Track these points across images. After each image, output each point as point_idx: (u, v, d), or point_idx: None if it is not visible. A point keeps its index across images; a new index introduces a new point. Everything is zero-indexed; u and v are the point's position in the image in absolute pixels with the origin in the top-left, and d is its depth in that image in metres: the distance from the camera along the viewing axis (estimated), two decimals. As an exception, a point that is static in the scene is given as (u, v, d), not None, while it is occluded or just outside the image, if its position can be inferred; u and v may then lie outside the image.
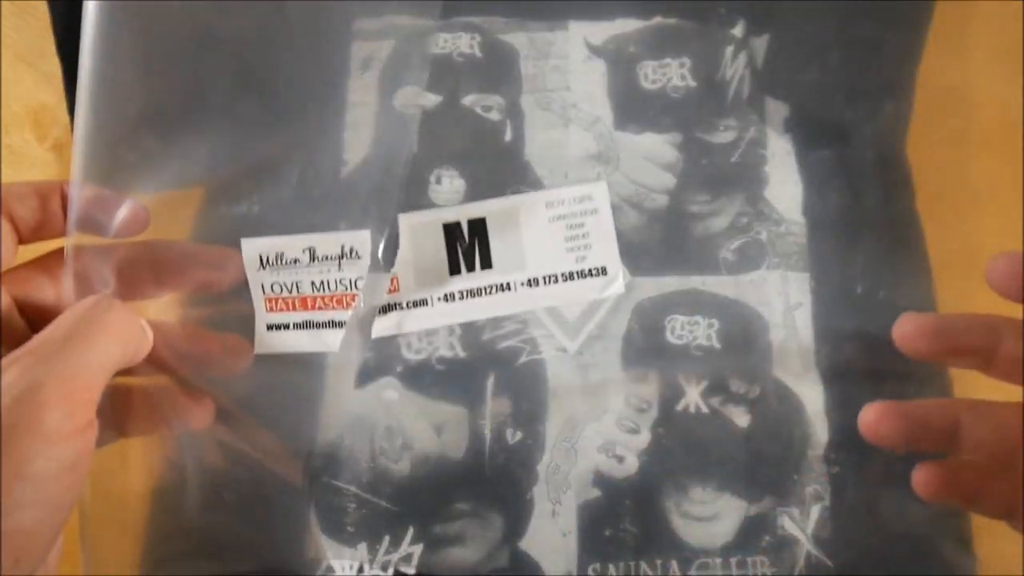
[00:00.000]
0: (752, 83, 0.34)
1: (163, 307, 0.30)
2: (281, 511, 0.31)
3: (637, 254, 0.33)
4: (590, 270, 0.31)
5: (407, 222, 0.32)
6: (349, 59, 0.34)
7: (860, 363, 0.31)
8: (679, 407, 0.32)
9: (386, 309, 0.31)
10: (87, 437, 0.23)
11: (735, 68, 0.34)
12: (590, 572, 0.31)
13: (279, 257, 0.30)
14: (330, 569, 0.31)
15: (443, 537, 0.31)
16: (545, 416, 0.32)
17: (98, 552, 0.30)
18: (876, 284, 0.32)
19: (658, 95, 0.34)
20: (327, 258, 0.30)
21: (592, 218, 0.32)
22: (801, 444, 0.31)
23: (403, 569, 0.31)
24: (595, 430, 0.32)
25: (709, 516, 0.31)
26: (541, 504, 0.31)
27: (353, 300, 0.31)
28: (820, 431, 0.31)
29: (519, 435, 0.32)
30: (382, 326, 0.31)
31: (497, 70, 0.34)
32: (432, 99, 0.34)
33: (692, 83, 0.34)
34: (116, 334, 0.25)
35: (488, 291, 0.31)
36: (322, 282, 0.30)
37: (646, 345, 0.32)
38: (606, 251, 0.32)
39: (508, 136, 0.34)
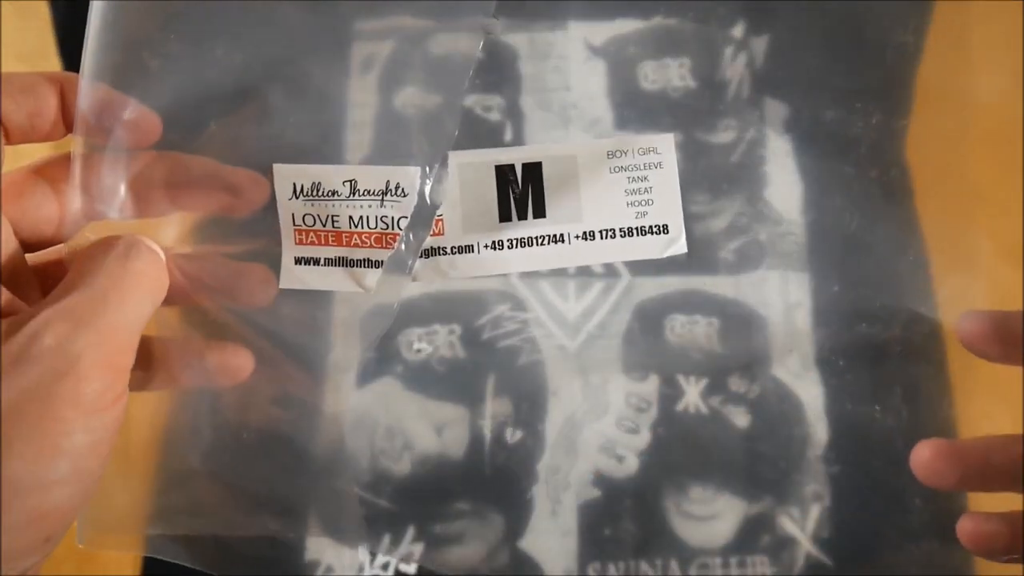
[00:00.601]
0: (752, 83, 0.34)
1: (176, 231, 0.28)
2: (294, 463, 0.30)
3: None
4: (651, 227, 0.29)
5: (456, 160, 0.29)
6: (349, 59, 0.34)
7: (860, 363, 0.31)
8: (679, 407, 0.32)
9: (428, 253, 0.29)
10: (122, 404, 0.22)
11: (735, 68, 0.34)
12: (590, 572, 0.31)
13: (316, 187, 0.28)
14: (330, 569, 0.31)
15: (443, 537, 0.31)
16: (545, 416, 0.32)
17: (101, 502, 0.29)
18: (876, 284, 0.32)
19: (658, 95, 0.34)
20: (369, 192, 0.28)
21: (656, 172, 0.29)
22: (801, 444, 0.31)
23: (403, 569, 0.31)
24: (595, 430, 0.32)
25: (709, 516, 0.31)
26: (541, 504, 0.31)
27: (394, 240, 0.28)
28: (820, 431, 0.31)
29: (519, 435, 0.32)
30: (423, 272, 0.29)
31: (497, 70, 0.34)
32: (432, 99, 0.34)
33: (692, 83, 0.34)
34: (149, 287, 0.24)
35: (540, 241, 0.29)
36: (361, 218, 0.28)
37: (646, 345, 0.32)
38: (670, 208, 0.29)
39: (508, 136, 0.34)
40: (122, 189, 0.26)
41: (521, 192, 0.29)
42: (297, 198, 0.28)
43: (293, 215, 0.28)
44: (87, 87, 0.25)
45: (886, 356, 0.31)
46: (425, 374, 0.32)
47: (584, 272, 0.33)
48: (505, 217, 0.29)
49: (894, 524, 0.31)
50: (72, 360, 0.21)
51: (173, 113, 0.26)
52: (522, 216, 0.29)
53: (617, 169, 0.29)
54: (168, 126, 0.26)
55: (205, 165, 0.27)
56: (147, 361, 0.26)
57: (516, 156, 0.29)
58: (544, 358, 0.32)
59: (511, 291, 0.33)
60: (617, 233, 0.29)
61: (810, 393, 0.32)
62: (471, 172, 0.29)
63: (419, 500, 0.31)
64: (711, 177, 0.33)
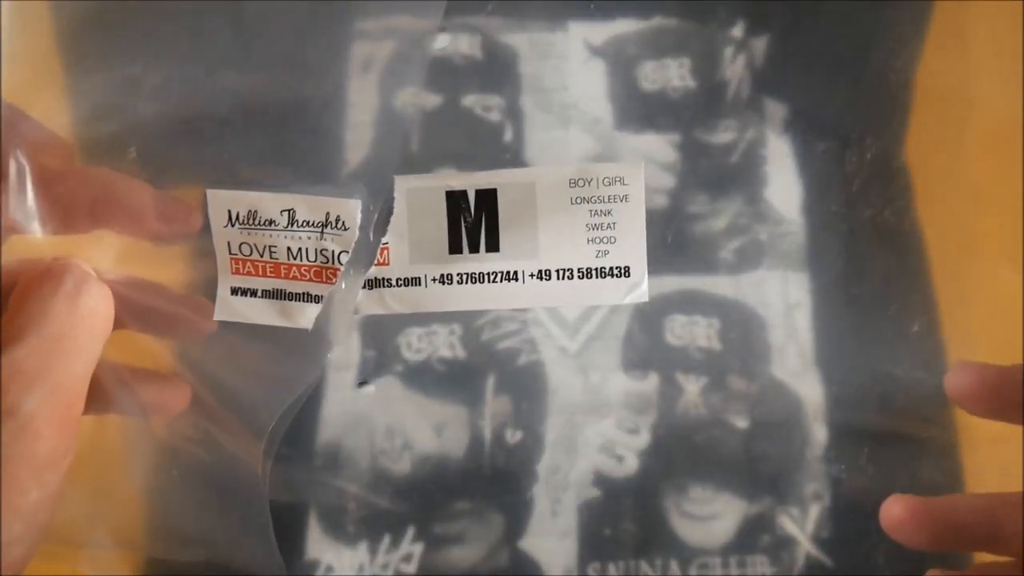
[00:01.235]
0: (752, 83, 0.34)
1: (110, 252, 0.27)
2: (236, 500, 0.29)
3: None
4: (612, 269, 0.27)
5: (404, 185, 0.27)
6: (349, 59, 0.34)
7: (860, 363, 0.31)
8: (679, 407, 0.32)
9: (372, 284, 0.27)
10: (74, 453, 0.21)
11: (735, 68, 0.34)
12: (590, 572, 0.31)
13: (252, 215, 0.26)
14: (330, 569, 0.31)
15: (443, 537, 0.31)
16: (545, 416, 0.32)
17: None
18: (875, 284, 0.32)
19: (658, 95, 0.34)
20: (308, 224, 0.26)
21: (621, 206, 0.27)
22: (801, 444, 0.31)
23: (403, 569, 0.31)
24: (595, 430, 0.32)
25: (709, 516, 0.31)
26: (541, 504, 0.31)
27: (334, 275, 0.26)
28: (820, 431, 0.31)
29: (519, 435, 0.32)
30: (366, 304, 0.27)
31: (497, 71, 0.34)
32: (432, 100, 0.34)
33: (692, 83, 0.34)
34: (100, 327, 0.22)
35: (492, 278, 0.27)
36: (300, 249, 0.26)
37: (646, 345, 0.32)
38: (633, 248, 0.27)
39: (508, 137, 0.34)
40: (42, 205, 0.24)
41: (474, 221, 0.27)
42: (233, 226, 0.26)
43: (229, 243, 0.27)
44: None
45: (886, 356, 0.31)
46: (425, 374, 0.32)
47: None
48: (456, 248, 0.27)
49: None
50: (26, 421, 0.20)
51: (91, 134, 0.26)
52: (474, 249, 0.27)
53: (579, 200, 0.27)
54: (85, 148, 0.25)
55: (131, 187, 0.26)
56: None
57: (469, 182, 0.27)
58: (544, 358, 0.32)
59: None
60: (575, 274, 0.27)
61: (810, 393, 0.32)
62: (420, 198, 0.27)
63: (419, 500, 0.31)
64: (711, 177, 0.33)
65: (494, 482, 0.31)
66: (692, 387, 0.32)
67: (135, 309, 0.25)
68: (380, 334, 0.33)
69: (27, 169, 0.24)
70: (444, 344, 0.32)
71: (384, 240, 0.27)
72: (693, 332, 0.32)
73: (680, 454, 0.31)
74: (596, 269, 0.27)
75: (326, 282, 0.27)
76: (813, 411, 0.31)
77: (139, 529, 0.29)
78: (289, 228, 0.26)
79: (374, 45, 0.34)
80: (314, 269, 0.26)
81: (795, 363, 0.32)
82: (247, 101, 0.27)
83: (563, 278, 0.27)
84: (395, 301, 0.27)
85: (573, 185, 0.27)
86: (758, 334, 0.32)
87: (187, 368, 0.27)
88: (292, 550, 0.31)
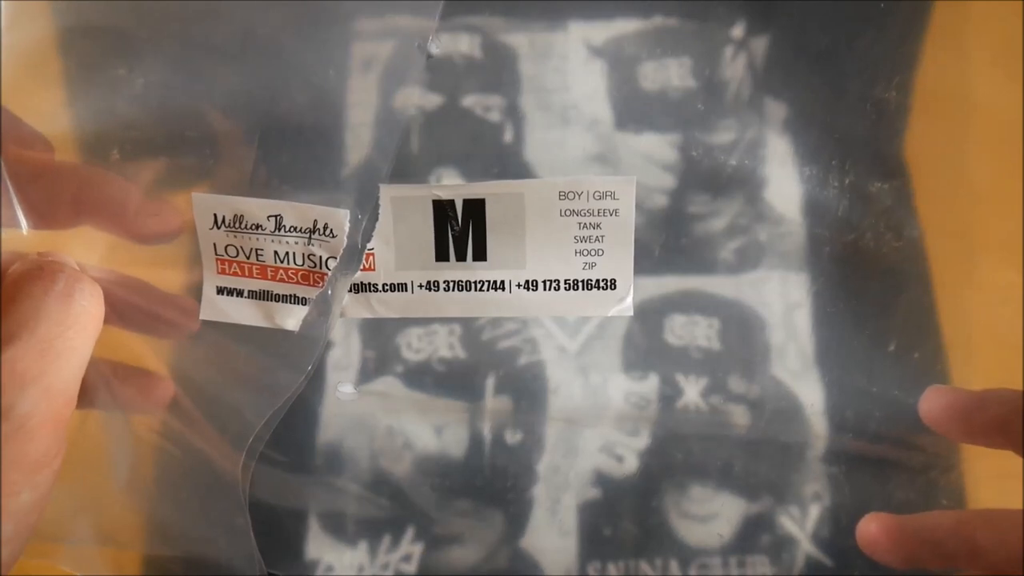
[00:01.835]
0: (752, 83, 0.34)
1: (97, 248, 0.26)
2: (215, 500, 0.28)
3: (637, 254, 0.33)
4: (598, 281, 0.27)
5: (389, 194, 0.27)
6: (349, 59, 0.34)
7: (860, 363, 0.32)
8: (679, 407, 0.32)
9: (358, 288, 0.27)
10: (63, 453, 0.21)
11: (735, 68, 0.34)
12: (590, 572, 0.31)
13: (238, 219, 0.26)
14: (330, 569, 0.31)
15: (443, 537, 0.31)
16: (545, 416, 0.32)
17: None
18: (875, 285, 0.32)
19: (658, 95, 0.34)
20: (295, 229, 0.26)
21: (611, 220, 0.27)
22: (800, 444, 0.31)
23: (403, 569, 0.31)
24: (595, 430, 0.32)
25: (708, 515, 0.31)
26: (541, 504, 0.31)
27: (322, 279, 0.26)
28: (819, 431, 0.31)
29: (519, 435, 0.32)
30: (352, 308, 0.27)
31: (497, 70, 0.34)
32: (432, 100, 0.34)
33: (692, 83, 0.34)
34: (92, 328, 0.22)
35: (479, 287, 0.27)
36: (287, 254, 0.26)
37: (646, 345, 0.32)
38: (620, 262, 0.27)
39: (508, 137, 0.34)
40: (22, 199, 0.24)
41: (461, 231, 0.27)
42: (218, 228, 0.26)
43: (215, 244, 0.26)
44: None
45: (886, 356, 0.31)
46: (425, 374, 0.32)
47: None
48: (442, 256, 0.27)
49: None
50: (20, 422, 0.20)
51: (81, 134, 0.26)
52: (461, 257, 0.27)
53: (568, 212, 0.27)
54: (79, 148, 0.25)
55: (115, 182, 0.25)
56: None
57: (457, 192, 0.27)
58: (544, 358, 0.32)
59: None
60: (561, 285, 0.27)
61: (810, 393, 0.32)
62: (406, 206, 0.27)
63: (419, 500, 0.31)
64: (711, 177, 0.33)
65: (494, 482, 0.31)
66: (692, 387, 0.32)
67: (118, 306, 0.25)
68: (380, 334, 0.33)
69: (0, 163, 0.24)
70: (444, 344, 0.32)
71: (369, 246, 0.27)
72: (693, 332, 0.32)
73: (680, 454, 0.31)
74: (583, 281, 0.27)
75: (313, 285, 0.26)
76: (813, 411, 0.31)
77: (120, 526, 0.29)
78: (276, 233, 0.26)
79: (374, 45, 0.34)
80: (301, 272, 0.26)
81: (795, 363, 0.32)
82: (246, 102, 0.27)
83: (549, 289, 0.27)
84: (381, 306, 0.27)
85: (563, 197, 0.27)
86: (758, 334, 0.32)
87: (169, 368, 0.27)
88: (292, 550, 0.31)
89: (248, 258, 0.26)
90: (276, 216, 0.26)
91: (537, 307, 0.27)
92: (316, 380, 0.32)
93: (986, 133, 0.34)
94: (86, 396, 0.24)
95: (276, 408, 0.27)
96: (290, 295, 0.26)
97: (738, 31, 0.34)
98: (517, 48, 0.35)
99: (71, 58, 0.27)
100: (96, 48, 0.27)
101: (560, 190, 0.27)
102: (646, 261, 0.33)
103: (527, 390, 0.32)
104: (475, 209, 0.27)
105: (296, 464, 0.32)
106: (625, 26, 0.35)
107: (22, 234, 0.24)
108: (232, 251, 0.26)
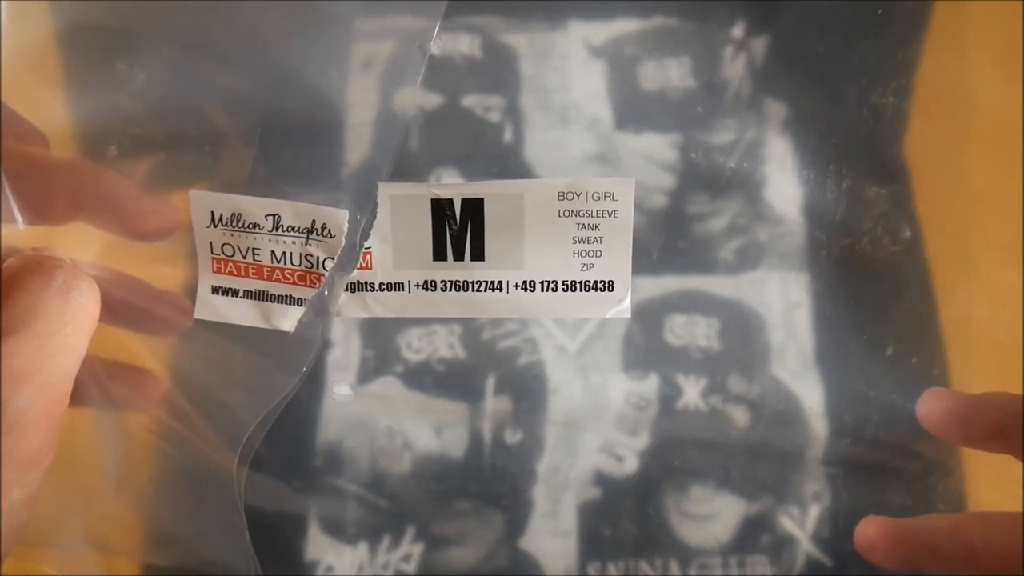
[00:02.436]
0: (752, 83, 0.34)
1: (93, 244, 0.26)
2: (209, 500, 0.28)
3: (637, 255, 0.33)
4: (596, 283, 0.27)
5: (388, 192, 0.27)
6: (349, 59, 0.34)
7: (859, 363, 0.32)
8: (679, 407, 0.32)
9: (354, 287, 0.27)
10: (53, 453, 0.21)
11: (735, 68, 0.34)
12: (590, 572, 0.31)
13: (235, 218, 0.26)
14: (330, 569, 0.31)
15: (443, 537, 0.31)
16: (545, 416, 0.32)
17: None
18: (872, 289, 0.32)
19: (658, 95, 0.34)
20: (293, 229, 0.26)
21: (609, 222, 0.27)
22: (800, 444, 0.31)
23: (403, 569, 0.31)
24: (595, 430, 0.32)
25: (708, 515, 0.31)
26: (541, 504, 0.31)
27: (319, 280, 0.26)
28: (819, 431, 0.31)
29: (519, 435, 0.32)
30: (348, 306, 0.27)
31: (497, 70, 0.34)
32: (432, 100, 0.34)
33: (692, 83, 0.34)
34: (88, 325, 0.22)
35: (476, 287, 0.27)
36: (284, 254, 0.26)
37: (646, 345, 0.32)
38: (619, 263, 0.27)
39: (508, 137, 0.34)
40: (17, 194, 0.24)
41: (459, 230, 0.27)
42: (215, 227, 0.26)
43: (211, 243, 0.26)
44: None
45: (886, 356, 0.31)
46: (425, 374, 0.32)
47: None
48: (440, 256, 0.27)
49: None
50: (14, 418, 0.19)
51: (80, 131, 0.25)
52: (458, 257, 0.27)
53: (567, 213, 0.27)
54: (64, 144, 0.25)
55: (112, 178, 0.25)
56: None
57: (455, 191, 0.27)
58: (544, 358, 0.32)
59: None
60: (559, 286, 0.27)
61: (810, 393, 0.32)
62: (404, 205, 0.27)
63: (419, 500, 0.31)
64: (711, 177, 0.33)
65: (494, 482, 0.31)
66: (692, 387, 0.32)
67: (112, 303, 0.24)
68: (380, 334, 0.33)
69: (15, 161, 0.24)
70: (444, 344, 0.32)
71: (367, 244, 0.27)
72: (693, 332, 0.32)
73: (680, 454, 0.31)
74: (580, 283, 0.27)
75: (310, 286, 0.26)
76: (813, 411, 0.31)
77: (111, 527, 0.28)
78: (273, 232, 0.26)
79: (374, 45, 0.34)
80: (298, 273, 0.26)
81: (795, 363, 0.32)
82: (246, 101, 0.27)
83: (547, 290, 0.27)
84: (377, 305, 0.27)
85: (562, 198, 0.27)
86: (758, 334, 0.32)
87: (164, 366, 0.27)
88: (292, 550, 0.31)
89: (245, 257, 0.26)
90: (274, 215, 0.26)
91: (535, 308, 0.27)
92: (316, 380, 0.32)
93: (986, 133, 0.34)
94: (77, 393, 0.24)
95: (271, 408, 0.26)
96: (286, 296, 0.26)
97: (738, 31, 0.34)
98: (517, 48, 0.35)
99: (70, 53, 0.26)
100: (96, 43, 0.27)
101: (559, 190, 0.27)
102: (646, 261, 0.33)
103: (527, 390, 0.32)
104: (474, 208, 0.27)
105: (296, 464, 0.32)
106: (625, 26, 0.35)
107: (17, 229, 0.24)
108: (228, 250, 0.26)
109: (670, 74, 0.34)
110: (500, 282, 0.27)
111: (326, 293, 0.26)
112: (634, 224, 0.31)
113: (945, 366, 0.32)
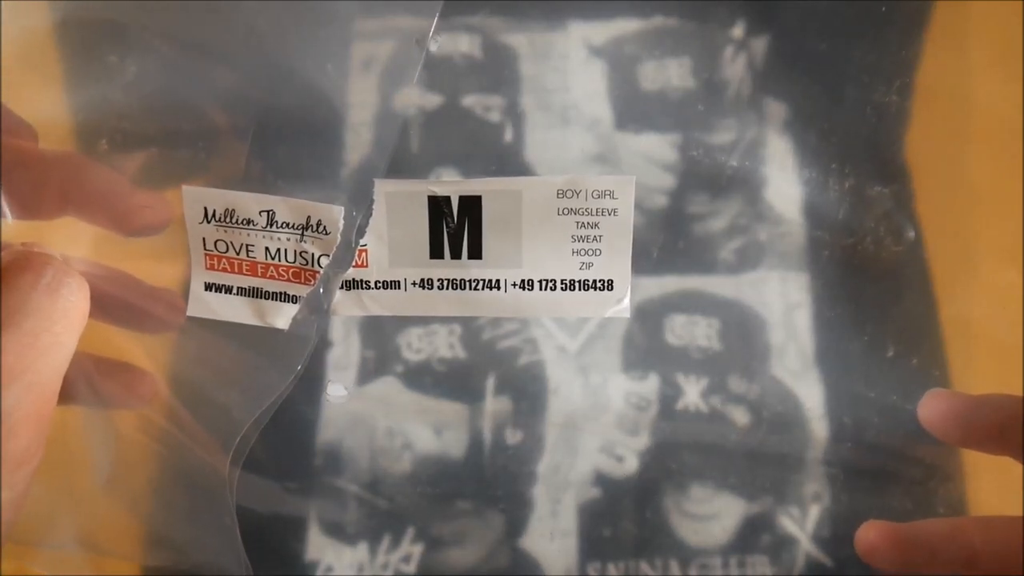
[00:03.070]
0: (752, 83, 0.34)
1: (83, 238, 0.26)
2: (201, 501, 0.28)
3: (637, 254, 0.33)
4: (595, 281, 0.27)
5: (384, 189, 0.26)
6: (349, 59, 0.34)
7: (859, 363, 0.32)
8: (679, 407, 0.32)
9: (350, 286, 0.26)
10: (42, 452, 0.21)
11: (735, 68, 0.34)
12: (590, 572, 0.31)
13: (229, 213, 0.26)
14: (330, 569, 0.31)
15: (443, 537, 0.31)
16: (545, 416, 0.32)
17: None
18: (873, 289, 0.32)
19: (658, 95, 0.34)
20: (288, 225, 0.26)
21: (609, 220, 0.26)
22: (800, 444, 0.31)
23: (403, 569, 0.31)
24: (595, 430, 0.32)
25: (709, 515, 0.31)
26: (541, 504, 0.31)
27: (313, 277, 0.26)
28: (819, 431, 0.31)
29: (519, 435, 0.32)
30: (343, 305, 0.27)
31: (497, 71, 0.34)
32: (432, 100, 0.34)
33: (692, 83, 0.34)
34: (78, 323, 0.21)
35: (474, 285, 0.26)
36: (279, 250, 0.26)
37: (646, 345, 0.32)
38: (618, 262, 0.26)
39: (508, 137, 0.34)
40: (7, 188, 0.24)
41: (456, 228, 0.26)
42: (208, 222, 0.26)
43: (204, 239, 0.26)
44: None
45: (886, 356, 0.31)
46: (425, 374, 0.32)
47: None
48: (437, 254, 0.26)
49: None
50: (2, 417, 0.19)
51: (74, 126, 0.25)
52: (456, 255, 0.26)
53: (566, 211, 0.26)
54: (55, 137, 0.25)
55: (106, 176, 0.25)
56: None
57: (453, 188, 0.26)
58: (544, 358, 0.32)
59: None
60: (558, 285, 0.26)
61: (810, 393, 0.32)
62: (400, 202, 0.26)
63: (419, 500, 0.31)
64: (711, 177, 0.33)
65: (494, 482, 0.31)
66: (692, 387, 0.32)
67: (102, 300, 0.24)
68: (380, 334, 0.33)
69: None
70: (444, 344, 0.32)
71: (363, 242, 0.26)
72: (693, 332, 0.32)
73: (680, 454, 0.31)
74: (579, 281, 0.26)
75: (304, 283, 0.26)
76: (813, 411, 0.31)
77: (101, 527, 0.28)
78: (268, 229, 0.26)
79: (374, 45, 0.34)
80: (292, 270, 0.26)
81: (795, 363, 0.32)
82: (243, 98, 0.27)
83: (545, 289, 0.27)
84: (373, 303, 0.27)
85: (561, 196, 0.26)
86: (758, 334, 0.32)
87: (156, 365, 0.27)
88: (292, 550, 0.31)
89: (238, 254, 0.26)
90: (268, 211, 0.26)
91: (533, 307, 0.27)
92: (316, 380, 0.32)
93: (986, 133, 0.34)
94: (67, 391, 0.24)
95: (265, 408, 0.26)
96: (281, 293, 0.26)
97: (738, 31, 0.34)
98: (517, 48, 0.35)
99: (64, 46, 0.26)
100: (90, 37, 0.26)
101: (558, 188, 0.26)
102: (646, 261, 0.33)
103: (527, 390, 0.32)
104: (471, 206, 0.26)
105: (296, 465, 0.32)
106: (625, 26, 0.35)
107: (6, 223, 0.24)
108: (222, 246, 0.26)
109: (670, 74, 0.34)
110: (498, 281, 0.27)
111: (321, 291, 0.26)
112: (634, 224, 0.31)
113: (945, 366, 0.32)
